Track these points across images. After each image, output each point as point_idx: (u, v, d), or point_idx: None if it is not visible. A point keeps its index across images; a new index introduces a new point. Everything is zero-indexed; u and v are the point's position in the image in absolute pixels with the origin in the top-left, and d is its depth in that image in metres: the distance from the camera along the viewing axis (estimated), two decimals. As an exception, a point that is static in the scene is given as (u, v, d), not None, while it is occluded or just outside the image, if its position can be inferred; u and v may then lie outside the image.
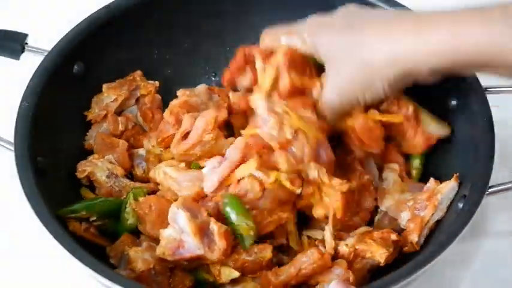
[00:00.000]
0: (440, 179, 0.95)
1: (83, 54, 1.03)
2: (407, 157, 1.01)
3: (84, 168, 0.99)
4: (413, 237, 0.91)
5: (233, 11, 1.12)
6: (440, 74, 0.85)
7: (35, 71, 0.97)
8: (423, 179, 0.99)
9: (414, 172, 1.01)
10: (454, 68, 0.83)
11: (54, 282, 1.02)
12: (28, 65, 1.00)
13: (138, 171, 1.02)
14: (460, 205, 0.89)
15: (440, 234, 0.89)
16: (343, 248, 0.90)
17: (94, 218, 0.93)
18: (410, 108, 0.97)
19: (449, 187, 0.92)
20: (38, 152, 0.92)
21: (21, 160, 0.89)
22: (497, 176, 0.89)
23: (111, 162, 1.00)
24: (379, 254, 0.88)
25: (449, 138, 0.99)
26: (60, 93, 1.00)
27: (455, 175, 0.93)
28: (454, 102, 0.98)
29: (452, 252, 0.84)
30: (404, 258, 0.90)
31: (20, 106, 0.94)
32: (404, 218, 0.94)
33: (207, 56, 1.15)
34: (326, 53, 0.89)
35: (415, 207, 0.93)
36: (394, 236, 0.90)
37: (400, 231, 0.93)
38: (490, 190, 0.87)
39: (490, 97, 0.95)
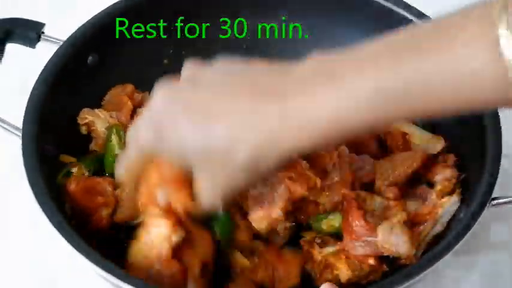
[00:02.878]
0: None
1: (98, 46, 1.04)
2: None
3: (85, 116, 1.01)
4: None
5: (240, 10, 1.11)
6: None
7: (49, 60, 0.98)
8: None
9: None
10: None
11: (55, 282, 1.02)
12: (44, 54, 1.01)
13: None
14: (461, 215, 0.88)
15: (439, 243, 0.87)
16: (316, 255, 0.89)
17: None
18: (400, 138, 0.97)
19: (451, 202, 0.91)
20: (45, 140, 0.93)
21: (27, 146, 0.90)
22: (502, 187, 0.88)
23: (111, 117, 1.02)
24: (343, 273, 0.87)
25: (455, 147, 0.97)
26: (72, 83, 1.00)
27: (457, 190, 0.92)
28: (462, 110, 0.97)
29: (452, 262, 0.83)
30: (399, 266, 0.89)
31: (30, 93, 0.95)
32: None
33: (223, 54, 1.14)
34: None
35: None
36: (372, 261, 0.88)
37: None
38: (493, 202, 0.86)
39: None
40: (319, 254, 0.89)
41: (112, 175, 0.97)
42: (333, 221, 0.91)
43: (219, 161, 0.71)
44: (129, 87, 1.07)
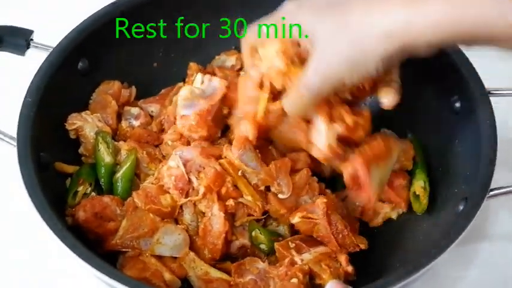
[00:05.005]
0: (443, 181, 0.96)
1: (88, 51, 1.03)
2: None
3: (74, 122, 1.01)
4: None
5: (240, 10, 1.11)
6: (438, 48, 0.78)
7: (39, 67, 0.98)
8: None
9: (421, 196, 0.98)
10: (454, 41, 0.78)
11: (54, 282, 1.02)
12: (33, 61, 1.00)
13: (124, 125, 1.05)
14: (461, 207, 0.88)
15: (440, 236, 0.88)
16: (298, 263, 0.89)
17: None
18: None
19: None
20: (40, 148, 0.93)
21: (23, 155, 0.89)
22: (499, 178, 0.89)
23: (99, 121, 1.02)
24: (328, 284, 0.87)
25: (452, 141, 0.98)
26: (64, 89, 1.00)
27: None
28: (457, 105, 0.98)
29: (453, 254, 0.84)
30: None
31: (23, 102, 0.94)
32: None
33: (213, 55, 1.14)
34: (310, 34, 0.83)
35: None
36: (350, 269, 0.89)
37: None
38: (491, 193, 0.87)
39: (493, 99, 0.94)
40: (301, 261, 0.89)
41: (107, 185, 0.98)
42: None
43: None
44: (116, 84, 1.07)
